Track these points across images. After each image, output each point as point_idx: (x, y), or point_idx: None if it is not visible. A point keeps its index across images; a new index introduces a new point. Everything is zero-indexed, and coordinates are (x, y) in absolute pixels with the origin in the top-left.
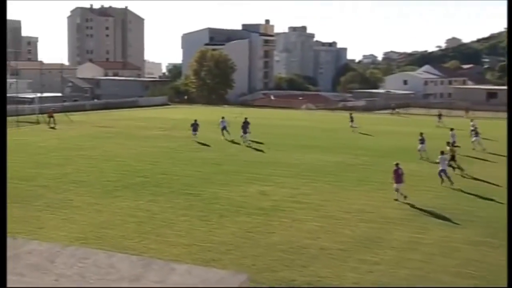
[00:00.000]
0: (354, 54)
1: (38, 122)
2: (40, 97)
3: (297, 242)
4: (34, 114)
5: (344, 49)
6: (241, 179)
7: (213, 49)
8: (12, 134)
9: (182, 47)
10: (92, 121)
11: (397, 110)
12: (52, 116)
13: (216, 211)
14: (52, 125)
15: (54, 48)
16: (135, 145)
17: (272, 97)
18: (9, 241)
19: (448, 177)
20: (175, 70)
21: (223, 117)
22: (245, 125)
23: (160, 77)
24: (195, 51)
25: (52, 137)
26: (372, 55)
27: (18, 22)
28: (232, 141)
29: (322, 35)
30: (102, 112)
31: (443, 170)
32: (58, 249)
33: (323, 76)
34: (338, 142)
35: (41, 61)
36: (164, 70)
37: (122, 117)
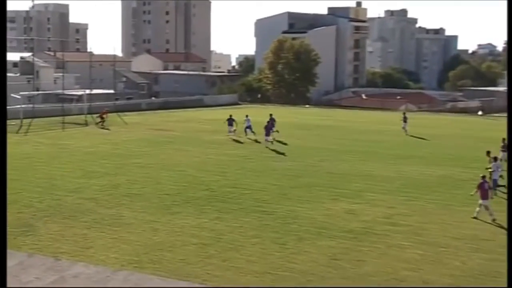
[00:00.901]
0: (467, 43)
1: (86, 124)
2: (89, 94)
3: (393, 274)
4: (82, 114)
5: (454, 37)
6: (324, 194)
7: (293, 38)
8: (57, 137)
9: (256, 36)
10: (149, 123)
11: None
12: (104, 117)
13: (293, 232)
14: (103, 127)
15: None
16: (198, 152)
17: (364, 96)
18: (52, 263)
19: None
20: (246, 63)
21: (247, 116)
22: (270, 124)
23: (229, 71)
24: (271, 40)
25: (102, 141)
26: (490, 44)
27: (66, 7)
28: (312, 148)
29: (426, 20)
30: (161, 113)
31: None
32: (108, 273)
33: (427, 71)
34: (445, 151)
35: (91, 52)
36: (234, 63)
37: (184, 119)
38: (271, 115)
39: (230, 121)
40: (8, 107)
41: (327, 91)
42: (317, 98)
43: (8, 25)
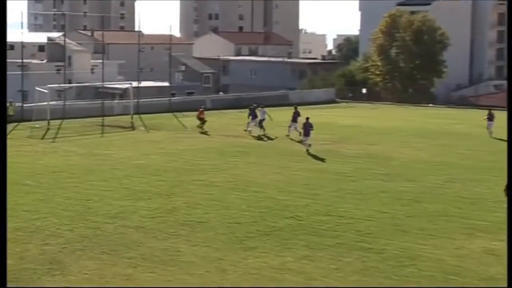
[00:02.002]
0: None
1: (133, 127)
2: (137, 88)
3: None
4: (128, 114)
5: None
6: (454, 227)
7: (412, 12)
8: (94, 145)
9: (361, 9)
10: (215, 127)
11: None
12: (203, 119)
13: (411, 279)
14: (204, 131)
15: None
16: (280, 167)
17: None
18: None
19: None
20: (348, 47)
21: (262, 107)
22: (306, 127)
23: (324, 57)
24: (381, 16)
25: (154, 151)
26: None
27: None
28: (436, 163)
29: None
30: (231, 113)
31: None
32: None
33: None
34: None
35: (139, 32)
36: (330, 46)
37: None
38: (295, 106)
39: (253, 112)
40: (31, 104)
41: (459, 85)
42: (445, 94)
43: None
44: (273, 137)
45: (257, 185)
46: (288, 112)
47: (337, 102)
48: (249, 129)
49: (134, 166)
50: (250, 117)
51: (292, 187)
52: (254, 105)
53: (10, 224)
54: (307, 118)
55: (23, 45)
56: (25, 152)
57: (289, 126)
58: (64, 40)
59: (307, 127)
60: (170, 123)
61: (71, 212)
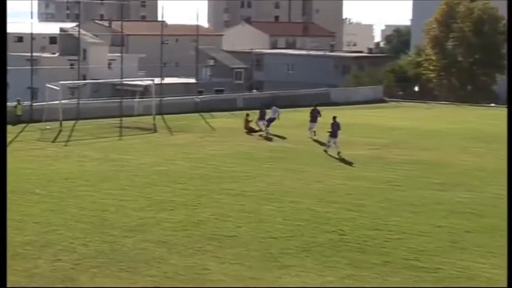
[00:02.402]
0: None
1: (155, 129)
2: (160, 85)
3: None
4: (150, 114)
5: None
6: None
7: None
8: (111, 149)
9: None
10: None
11: None
12: (251, 128)
13: None
14: (268, 136)
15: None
16: (321, 174)
17: None
18: None
19: None
20: (398, 38)
21: (276, 105)
22: (334, 127)
23: (370, 50)
24: (435, 4)
25: (178, 156)
26: None
27: None
28: (499, 171)
29: None
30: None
31: None
32: None
33: None
34: None
35: (163, 22)
36: (378, 38)
37: (300, 122)
38: (315, 104)
39: (262, 113)
40: (42, 103)
41: None
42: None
43: None
44: (274, 137)
45: (294, 194)
46: (330, 113)
47: (386, 101)
48: (264, 129)
49: (156, 173)
50: (260, 120)
51: (334, 197)
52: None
53: (19, 238)
54: (335, 117)
55: (32, 37)
56: (34, 157)
57: (309, 128)
58: (79, 31)
59: (335, 127)
60: (196, 125)
61: (85, 224)
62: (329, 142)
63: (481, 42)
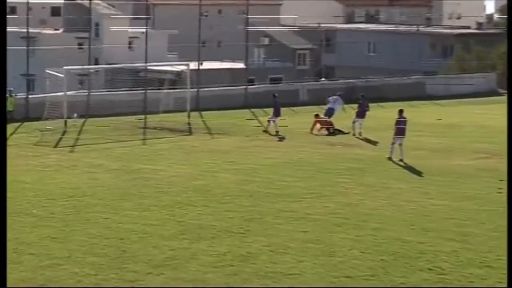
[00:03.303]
0: None
1: (189, 130)
2: (196, 71)
3: None
4: (184, 110)
5: None
6: None
7: None
8: (131, 156)
9: None
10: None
11: None
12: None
13: None
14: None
15: None
16: (413, 192)
17: None
18: None
19: None
20: None
21: (339, 94)
22: (400, 124)
23: (480, 26)
24: None
25: (221, 165)
26: None
27: None
28: None
29: None
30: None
31: None
32: None
33: None
34: None
35: None
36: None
37: (388, 122)
38: (362, 95)
39: (276, 105)
40: (40, 95)
41: None
42: None
43: None
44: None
45: (376, 219)
46: (425, 109)
47: (501, 94)
48: (270, 125)
49: (191, 189)
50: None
51: (430, 223)
52: (276, 94)
53: (10, 275)
54: (401, 111)
55: (29, 6)
56: (31, 167)
57: (354, 122)
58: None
59: (401, 125)
60: (245, 124)
61: (98, 257)
62: (393, 143)
63: None
